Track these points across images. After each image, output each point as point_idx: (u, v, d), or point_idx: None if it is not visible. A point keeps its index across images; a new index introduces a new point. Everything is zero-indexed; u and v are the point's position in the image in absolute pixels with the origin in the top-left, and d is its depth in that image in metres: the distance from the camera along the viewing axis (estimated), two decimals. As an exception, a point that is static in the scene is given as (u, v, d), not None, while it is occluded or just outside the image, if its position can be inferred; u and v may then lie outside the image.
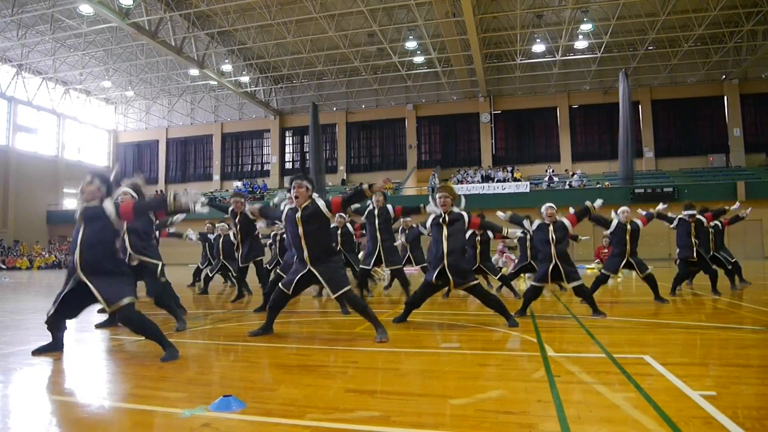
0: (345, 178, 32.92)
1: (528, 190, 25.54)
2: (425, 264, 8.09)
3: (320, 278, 4.29)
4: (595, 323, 5.06)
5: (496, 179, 27.49)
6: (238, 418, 2.34)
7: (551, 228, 5.57)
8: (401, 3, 21.19)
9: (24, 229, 30.10)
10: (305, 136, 33.20)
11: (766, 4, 21.26)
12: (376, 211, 7.05)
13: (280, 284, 4.54)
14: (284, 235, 7.86)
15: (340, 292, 4.28)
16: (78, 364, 3.69)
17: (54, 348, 3.87)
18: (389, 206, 7.09)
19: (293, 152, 35.16)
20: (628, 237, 6.60)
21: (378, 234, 7.00)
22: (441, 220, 5.04)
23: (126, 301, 3.59)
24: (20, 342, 4.46)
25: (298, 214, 4.32)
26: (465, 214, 5.13)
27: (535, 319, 5.36)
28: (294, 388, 2.86)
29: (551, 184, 26.91)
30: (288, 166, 34.88)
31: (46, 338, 4.69)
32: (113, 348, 4.24)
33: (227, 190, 33.56)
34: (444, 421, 2.26)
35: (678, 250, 7.76)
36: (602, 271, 6.84)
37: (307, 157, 32.13)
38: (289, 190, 4.43)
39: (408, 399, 2.60)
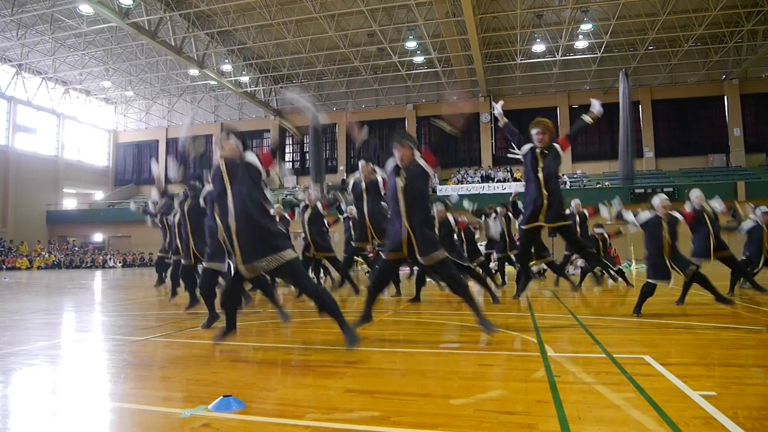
0: (345, 178, 32.93)
1: (528, 190, 25.51)
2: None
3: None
4: (594, 323, 5.06)
5: (496, 179, 27.48)
6: (238, 418, 2.33)
7: (664, 223, 5.35)
8: (401, 3, 21.18)
9: (23, 229, 30.11)
10: (305, 136, 33.17)
11: (766, 4, 21.26)
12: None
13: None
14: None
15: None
16: (78, 364, 3.69)
17: (232, 328, 3.96)
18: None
19: (293, 152, 35.16)
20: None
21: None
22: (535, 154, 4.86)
23: (291, 255, 3.60)
24: (20, 342, 4.45)
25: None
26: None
27: (535, 319, 5.36)
28: (294, 388, 2.86)
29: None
30: (288, 166, 34.88)
31: (43, 338, 4.70)
32: (113, 348, 4.24)
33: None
34: (444, 421, 2.25)
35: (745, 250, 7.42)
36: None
37: (307, 157, 32.13)
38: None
39: (408, 399, 2.60)
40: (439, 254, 4.08)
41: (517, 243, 8.58)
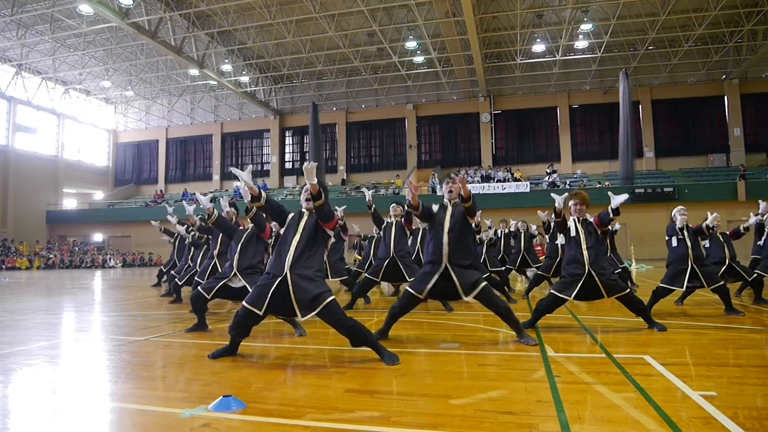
0: (345, 178, 32.94)
1: (528, 190, 25.54)
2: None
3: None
4: (595, 323, 5.05)
5: (496, 179, 27.49)
6: (238, 418, 2.33)
7: (686, 232, 5.49)
8: (401, 3, 21.17)
9: (23, 229, 30.10)
10: (305, 136, 33.20)
11: (766, 4, 21.25)
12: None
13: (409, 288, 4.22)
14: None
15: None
16: (78, 364, 3.69)
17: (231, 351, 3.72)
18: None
19: (293, 152, 35.16)
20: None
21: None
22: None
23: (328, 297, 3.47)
24: (20, 342, 4.45)
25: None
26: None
27: (535, 319, 5.35)
28: (294, 388, 2.86)
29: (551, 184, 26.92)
30: (288, 166, 34.89)
31: (43, 338, 4.69)
32: (113, 348, 4.24)
33: (227, 190, 33.57)
34: (444, 421, 2.25)
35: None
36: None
37: (307, 157, 32.12)
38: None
39: (408, 399, 2.60)
40: (479, 288, 4.01)
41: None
